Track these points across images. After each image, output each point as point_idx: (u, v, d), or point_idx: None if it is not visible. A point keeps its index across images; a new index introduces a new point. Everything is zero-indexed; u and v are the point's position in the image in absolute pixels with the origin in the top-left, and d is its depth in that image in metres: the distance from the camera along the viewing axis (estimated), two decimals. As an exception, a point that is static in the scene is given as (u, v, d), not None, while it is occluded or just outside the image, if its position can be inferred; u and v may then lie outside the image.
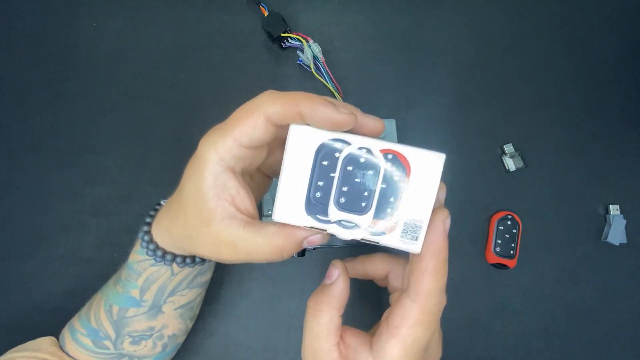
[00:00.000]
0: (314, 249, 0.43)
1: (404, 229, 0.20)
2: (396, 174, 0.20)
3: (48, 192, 0.46)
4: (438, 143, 0.47)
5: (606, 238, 0.44)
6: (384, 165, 0.20)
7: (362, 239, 0.21)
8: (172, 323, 0.33)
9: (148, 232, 0.29)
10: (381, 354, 0.23)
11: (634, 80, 0.48)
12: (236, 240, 0.22)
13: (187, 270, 0.31)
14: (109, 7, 0.50)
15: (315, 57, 0.46)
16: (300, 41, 0.46)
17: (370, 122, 0.21)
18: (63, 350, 0.33)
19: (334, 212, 0.21)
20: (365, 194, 0.20)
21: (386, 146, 0.20)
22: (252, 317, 0.43)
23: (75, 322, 0.34)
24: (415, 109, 0.48)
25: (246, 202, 0.23)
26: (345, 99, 0.47)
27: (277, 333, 0.43)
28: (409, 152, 0.20)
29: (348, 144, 0.20)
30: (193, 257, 0.30)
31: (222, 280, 0.44)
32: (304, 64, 0.46)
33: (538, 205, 0.45)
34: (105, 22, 0.49)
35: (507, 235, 0.43)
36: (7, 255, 0.44)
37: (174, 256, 0.28)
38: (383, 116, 0.41)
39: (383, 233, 0.21)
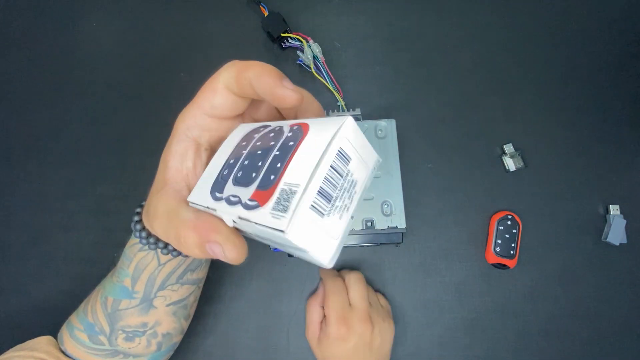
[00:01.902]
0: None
1: (277, 199, 0.16)
2: (292, 140, 0.18)
3: (48, 192, 0.46)
4: (438, 143, 0.47)
5: (606, 238, 0.44)
6: (285, 135, 0.18)
7: (239, 217, 0.17)
8: (165, 321, 0.34)
9: (139, 214, 0.29)
10: (326, 320, 0.38)
11: (634, 80, 0.48)
12: (169, 212, 0.21)
13: (174, 262, 0.31)
14: (109, 7, 0.50)
15: (315, 57, 0.46)
16: (300, 41, 0.46)
17: (288, 94, 0.20)
18: (61, 349, 0.34)
19: (228, 188, 0.18)
20: (259, 163, 0.18)
21: (296, 121, 0.19)
22: (252, 317, 0.43)
23: (73, 318, 0.34)
24: (415, 109, 0.48)
25: (196, 176, 0.23)
26: (345, 99, 0.47)
27: (277, 333, 0.43)
28: (313, 121, 0.18)
29: (267, 126, 0.20)
30: (164, 244, 0.30)
31: (222, 280, 0.44)
32: (304, 64, 0.46)
33: (538, 205, 0.45)
34: (105, 22, 0.49)
35: (507, 235, 0.43)
36: (7, 255, 0.44)
37: (157, 239, 0.28)
38: (383, 116, 0.41)
39: (257, 205, 0.16)
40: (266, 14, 0.47)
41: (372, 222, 0.39)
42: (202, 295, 0.40)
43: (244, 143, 0.20)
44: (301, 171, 0.16)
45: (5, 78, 0.48)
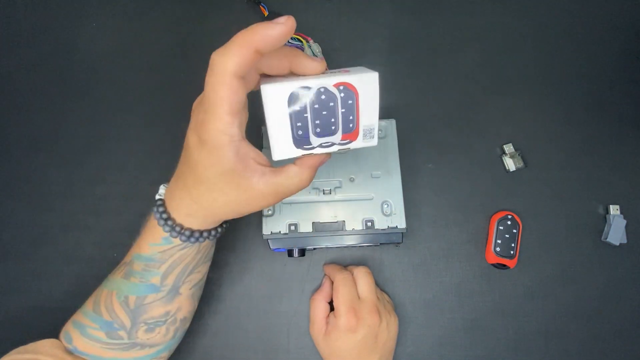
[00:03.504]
0: (314, 249, 0.43)
1: (363, 134, 0.27)
2: (349, 98, 0.26)
3: (48, 192, 0.46)
4: (438, 143, 0.47)
5: (606, 238, 0.44)
6: (339, 96, 0.26)
7: (338, 150, 0.28)
8: (185, 304, 0.34)
9: (174, 224, 0.30)
10: (335, 312, 0.38)
11: (634, 80, 0.48)
12: (276, 187, 0.27)
13: (211, 242, 0.33)
14: (109, 7, 0.50)
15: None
16: (300, 41, 0.46)
17: (314, 64, 0.26)
18: (69, 348, 0.33)
19: (314, 140, 0.27)
20: (332, 120, 0.26)
21: (335, 80, 0.25)
22: (252, 317, 0.43)
23: (82, 318, 0.34)
24: (415, 109, 0.48)
25: (262, 156, 0.27)
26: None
27: (277, 333, 0.43)
28: (353, 79, 0.25)
29: (309, 88, 0.25)
30: (221, 225, 0.32)
31: (222, 280, 0.44)
32: (304, 64, 0.46)
33: (538, 205, 0.45)
34: (105, 22, 0.50)
35: (507, 235, 0.43)
36: (7, 255, 0.44)
37: (209, 232, 0.31)
38: (383, 116, 0.41)
39: (350, 141, 0.28)
40: (266, 14, 0.47)
41: (372, 222, 0.40)
42: (202, 295, 0.40)
43: (297, 109, 0.25)
44: (371, 117, 0.27)
45: (6, 78, 0.48)
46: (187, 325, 0.37)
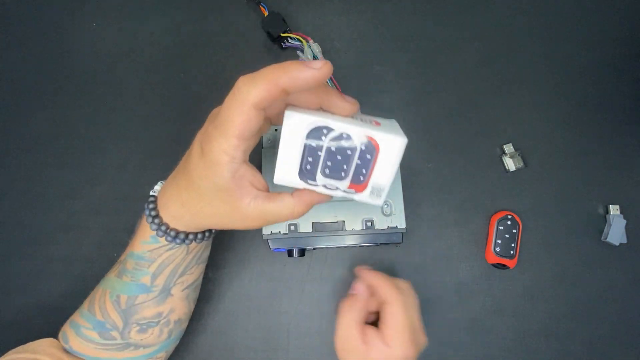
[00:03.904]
0: (314, 249, 0.43)
1: (371, 190, 0.27)
2: (369, 153, 0.25)
3: (48, 192, 0.46)
4: (438, 143, 0.47)
5: (606, 238, 0.44)
6: (359, 148, 0.25)
7: (341, 196, 0.27)
8: (179, 306, 0.34)
9: (161, 223, 0.30)
10: (385, 337, 0.33)
11: (634, 80, 0.48)
12: (264, 213, 0.27)
13: (200, 246, 0.33)
14: (109, 7, 0.50)
15: (315, 57, 0.46)
16: (300, 41, 0.46)
17: (346, 105, 0.25)
18: (65, 347, 0.33)
19: (320, 178, 0.26)
20: (344, 167, 0.26)
21: (361, 132, 0.24)
22: (252, 317, 0.43)
23: (78, 318, 0.34)
24: (415, 109, 0.48)
25: (260, 179, 0.27)
26: (345, 99, 0.47)
27: (277, 333, 0.43)
28: (380, 137, 0.25)
29: (331, 129, 0.24)
30: (208, 230, 0.32)
31: (222, 280, 0.44)
32: (304, 64, 0.46)
33: (538, 205, 0.45)
34: (105, 22, 0.49)
35: (507, 235, 0.43)
36: (7, 255, 0.44)
37: (195, 235, 0.31)
38: (383, 116, 0.41)
39: (356, 192, 0.27)
40: (266, 14, 0.47)
41: (372, 222, 0.40)
42: (202, 295, 0.40)
43: (313, 144, 0.25)
44: (385, 178, 0.26)
45: (5, 78, 0.48)
46: (184, 326, 0.37)
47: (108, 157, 0.46)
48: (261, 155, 0.41)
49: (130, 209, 0.45)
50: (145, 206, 0.31)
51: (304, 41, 0.46)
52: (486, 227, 0.45)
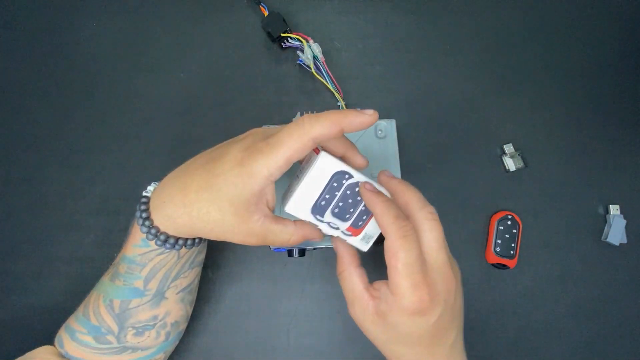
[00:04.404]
0: (314, 249, 0.43)
1: (363, 236, 0.31)
2: None
3: (48, 192, 0.46)
4: (438, 143, 0.47)
5: (606, 238, 0.44)
6: None
7: (337, 236, 0.31)
8: (174, 309, 0.34)
9: (151, 225, 0.29)
10: (392, 286, 0.26)
11: (634, 80, 0.48)
12: (267, 233, 0.28)
13: (191, 250, 0.32)
14: (109, 7, 0.50)
15: (315, 57, 0.46)
16: (300, 41, 0.46)
17: (359, 160, 0.30)
18: (62, 352, 0.33)
19: (327, 216, 0.30)
20: (351, 210, 0.30)
21: (375, 186, 0.30)
22: (252, 317, 0.43)
23: (73, 322, 0.34)
24: (415, 109, 0.48)
25: (273, 201, 0.29)
26: (346, 99, 0.47)
27: (277, 333, 0.43)
28: (386, 193, 0.30)
29: (352, 176, 0.29)
30: (199, 237, 0.32)
31: (222, 279, 0.44)
32: (304, 64, 0.46)
33: (538, 205, 0.45)
34: (105, 22, 0.49)
35: (507, 235, 0.43)
36: (7, 255, 0.44)
37: (185, 240, 0.31)
38: (383, 116, 0.41)
39: (350, 235, 0.31)
40: (266, 14, 0.47)
41: (372, 222, 0.40)
42: (202, 295, 0.40)
43: (335, 184, 0.29)
44: (375, 229, 0.31)
45: (6, 78, 0.48)
46: (182, 327, 0.37)
47: (108, 157, 0.46)
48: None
49: (130, 209, 0.45)
50: (137, 207, 0.30)
51: (304, 41, 0.46)
52: (486, 227, 0.45)
